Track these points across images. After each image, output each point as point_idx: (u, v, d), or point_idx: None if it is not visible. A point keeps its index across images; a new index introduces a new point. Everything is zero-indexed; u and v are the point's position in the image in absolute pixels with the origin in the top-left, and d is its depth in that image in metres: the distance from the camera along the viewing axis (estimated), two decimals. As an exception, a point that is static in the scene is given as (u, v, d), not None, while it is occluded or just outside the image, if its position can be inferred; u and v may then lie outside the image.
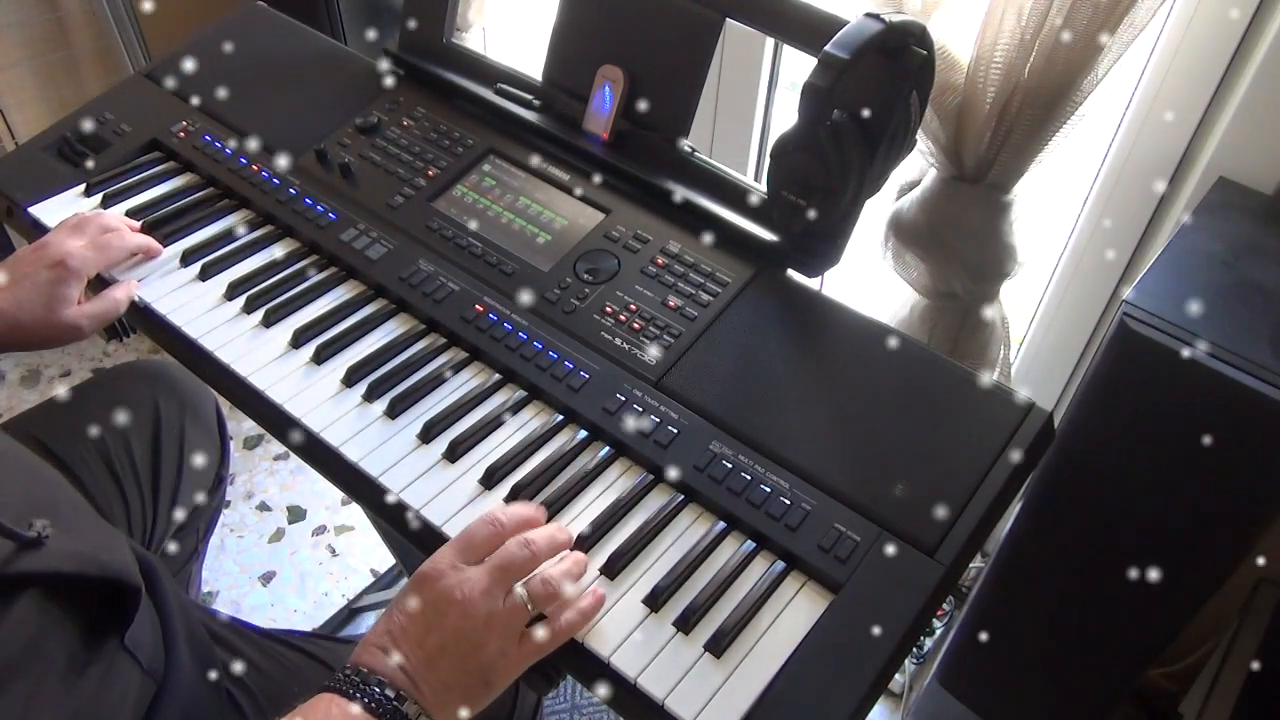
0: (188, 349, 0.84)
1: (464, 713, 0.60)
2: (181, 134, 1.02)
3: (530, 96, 0.98)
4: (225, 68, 1.08)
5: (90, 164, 1.00)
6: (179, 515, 1.04)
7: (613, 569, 0.67)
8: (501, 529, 0.65)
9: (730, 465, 0.72)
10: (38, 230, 0.94)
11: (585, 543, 0.69)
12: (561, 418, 0.77)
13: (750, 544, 0.69)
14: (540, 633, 0.62)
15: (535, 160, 0.94)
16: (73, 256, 0.82)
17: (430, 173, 0.95)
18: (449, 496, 0.72)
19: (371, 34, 1.45)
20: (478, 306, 0.84)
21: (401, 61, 1.04)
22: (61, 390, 0.98)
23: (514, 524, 0.66)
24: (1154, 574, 0.78)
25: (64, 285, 0.81)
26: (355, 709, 0.56)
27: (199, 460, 1.06)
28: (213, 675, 0.76)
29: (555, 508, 0.71)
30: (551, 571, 0.64)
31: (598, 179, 0.92)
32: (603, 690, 0.63)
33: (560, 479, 0.73)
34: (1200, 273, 0.77)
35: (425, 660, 0.59)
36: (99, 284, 0.88)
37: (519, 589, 0.62)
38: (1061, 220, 1.14)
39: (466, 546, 0.64)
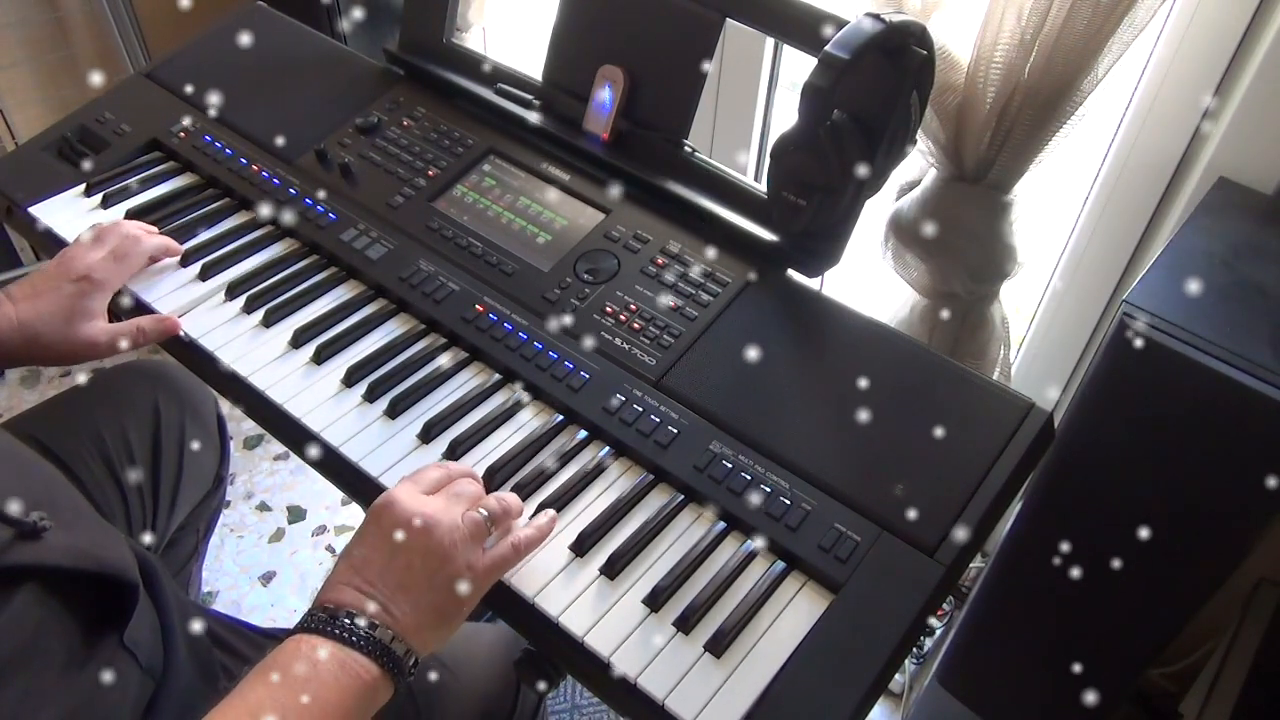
0: (188, 349, 0.84)
1: (439, 633, 0.62)
2: (181, 134, 1.02)
3: (530, 96, 0.98)
4: (225, 68, 1.08)
5: (90, 164, 1.00)
6: (179, 515, 1.04)
7: (613, 569, 0.67)
8: (449, 471, 0.68)
9: (730, 465, 0.72)
10: (38, 230, 0.94)
11: (586, 542, 0.69)
12: (561, 418, 0.77)
13: (750, 544, 0.69)
14: (503, 545, 0.65)
15: (535, 160, 0.94)
16: (96, 269, 0.82)
17: (430, 173, 0.95)
18: (449, 496, 0.72)
19: (358, 12, 1.44)
20: (478, 306, 0.84)
21: (401, 61, 1.05)
22: (61, 390, 0.98)
23: (460, 470, 0.69)
24: (1151, 573, 0.78)
25: (87, 299, 0.81)
26: (327, 643, 0.56)
27: (198, 460, 1.05)
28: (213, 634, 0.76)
29: (555, 508, 0.71)
30: (502, 493, 0.68)
31: (598, 179, 0.92)
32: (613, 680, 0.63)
33: (560, 479, 0.73)
34: (1200, 273, 0.77)
35: (395, 585, 0.60)
36: (135, 310, 0.87)
37: (475, 508, 0.65)
38: (1061, 220, 1.14)
39: (420, 480, 0.66)
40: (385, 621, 0.59)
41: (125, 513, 0.96)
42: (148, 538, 0.70)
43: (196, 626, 0.77)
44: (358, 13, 1.45)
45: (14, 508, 0.57)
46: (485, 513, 0.65)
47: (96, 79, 1.05)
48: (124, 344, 0.83)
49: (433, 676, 0.82)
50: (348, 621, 0.57)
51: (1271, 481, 0.69)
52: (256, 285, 0.88)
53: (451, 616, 0.62)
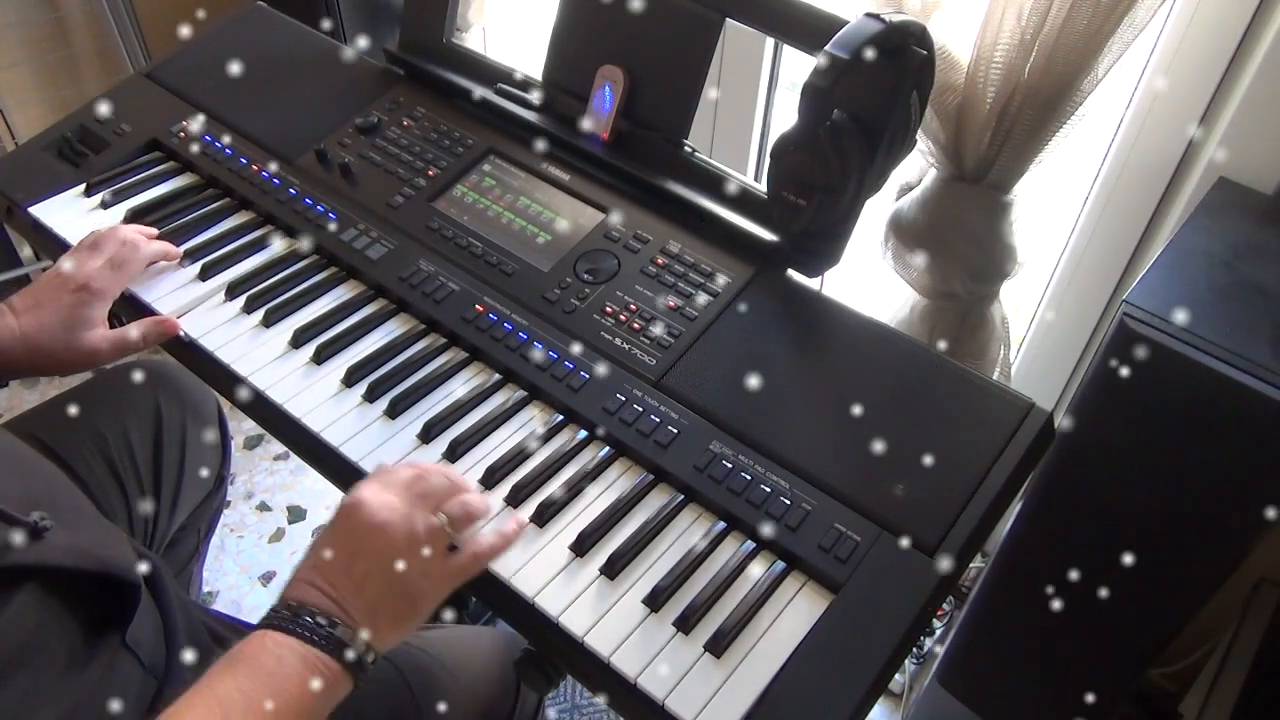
0: (188, 349, 0.84)
1: (396, 632, 0.63)
2: (181, 134, 1.02)
3: (530, 96, 0.98)
4: (225, 68, 1.08)
5: (90, 164, 1.00)
6: (180, 515, 1.04)
7: (613, 569, 0.67)
8: (423, 469, 0.68)
9: (730, 465, 0.72)
10: (38, 230, 0.94)
11: (586, 542, 0.69)
12: (561, 418, 0.77)
13: (750, 544, 0.69)
14: (463, 553, 0.65)
15: (535, 160, 0.94)
16: (95, 278, 0.82)
17: (430, 173, 0.95)
18: (449, 496, 0.72)
19: (363, 42, 1.45)
20: (478, 306, 0.84)
21: (401, 61, 1.05)
22: (62, 390, 0.98)
23: (432, 468, 0.69)
24: (1151, 573, 0.78)
25: (87, 308, 0.82)
26: (289, 640, 0.58)
27: (199, 460, 1.06)
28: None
29: (555, 508, 0.71)
30: (468, 497, 0.67)
31: (598, 179, 0.92)
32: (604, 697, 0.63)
33: (560, 479, 0.73)
34: (1200, 273, 0.77)
35: (352, 587, 0.61)
36: (135, 311, 0.87)
37: (437, 513, 0.65)
38: (1061, 220, 1.14)
39: (389, 482, 0.66)
40: (344, 620, 0.60)
41: (127, 512, 0.96)
42: (144, 567, 0.70)
43: (199, 626, 0.77)
44: (362, 42, 1.45)
45: (15, 508, 0.57)
46: (445, 517, 0.65)
47: (103, 109, 1.05)
48: (124, 350, 0.83)
49: (440, 703, 0.82)
50: (309, 620, 0.59)
51: (1271, 481, 0.69)
52: (256, 285, 0.88)
53: (406, 619, 0.63)
